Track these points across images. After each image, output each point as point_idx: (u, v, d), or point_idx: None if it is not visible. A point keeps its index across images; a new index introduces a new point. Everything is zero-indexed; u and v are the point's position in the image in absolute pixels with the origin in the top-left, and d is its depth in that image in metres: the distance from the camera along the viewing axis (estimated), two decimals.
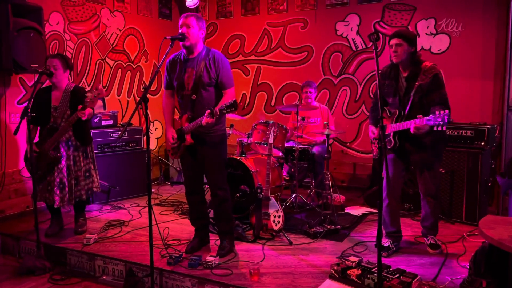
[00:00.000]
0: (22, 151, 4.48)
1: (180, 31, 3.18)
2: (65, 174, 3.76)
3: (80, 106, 3.58)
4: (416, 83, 3.17)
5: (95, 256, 3.46)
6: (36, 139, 3.83)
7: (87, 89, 5.19)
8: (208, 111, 2.99)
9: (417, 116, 3.01)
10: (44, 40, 4.30)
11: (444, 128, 2.86)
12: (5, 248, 3.93)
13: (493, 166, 4.30)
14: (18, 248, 3.87)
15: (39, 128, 3.85)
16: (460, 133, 4.12)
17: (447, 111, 2.85)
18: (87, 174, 3.91)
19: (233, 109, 2.99)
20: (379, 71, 3.46)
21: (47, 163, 3.73)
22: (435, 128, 2.87)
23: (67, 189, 3.76)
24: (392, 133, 3.28)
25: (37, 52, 4.18)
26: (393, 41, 3.21)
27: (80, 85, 5.02)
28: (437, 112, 2.86)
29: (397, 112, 3.28)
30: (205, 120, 3.02)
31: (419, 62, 3.23)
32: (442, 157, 3.50)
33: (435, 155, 3.31)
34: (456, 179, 4.11)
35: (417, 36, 3.28)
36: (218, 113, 2.98)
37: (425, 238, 3.52)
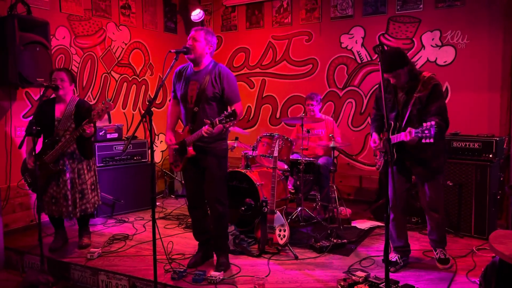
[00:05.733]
0: None
1: (187, 43, 3.23)
2: (69, 187, 3.74)
3: (86, 121, 3.59)
4: (415, 95, 3.12)
5: (98, 271, 3.43)
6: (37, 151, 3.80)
7: (93, 102, 5.22)
8: (208, 121, 3.00)
9: (408, 128, 2.96)
10: (50, 54, 4.33)
11: (431, 141, 2.79)
12: (9, 263, 3.91)
13: (501, 179, 4.24)
14: (22, 263, 3.85)
15: (41, 140, 3.84)
16: (467, 146, 4.06)
17: (433, 122, 2.79)
18: (93, 187, 3.91)
19: (232, 118, 2.98)
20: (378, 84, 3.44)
21: (47, 176, 3.72)
22: (423, 141, 2.82)
23: (70, 202, 3.75)
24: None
25: (43, 66, 4.20)
26: (388, 75, 3.13)
27: (85, 99, 5.05)
28: (424, 124, 2.81)
29: (392, 124, 3.23)
30: (205, 129, 3.03)
31: (417, 74, 3.18)
32: (444, 170, 3.43)
33: (435, 168, 3.24)
34: (464, 192, 4.05)
35: (405, 53, 3.19)
36: (217, 123, 2.98)
37: (434, 252, 3.46)
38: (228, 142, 4.79)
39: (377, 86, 5.24)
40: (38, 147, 3.84)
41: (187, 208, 4.83)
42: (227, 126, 3.04)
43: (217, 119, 3.00)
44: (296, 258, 3.60)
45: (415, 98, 3.11)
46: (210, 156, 3.28)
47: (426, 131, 2.79)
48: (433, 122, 2.79)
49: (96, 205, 3.96)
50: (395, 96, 3.26)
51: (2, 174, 4.21)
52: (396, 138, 3.11)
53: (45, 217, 3.93)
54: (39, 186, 3.71)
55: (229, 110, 3.13)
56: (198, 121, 3.21)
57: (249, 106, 6.32)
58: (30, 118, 3.49)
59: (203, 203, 3.49)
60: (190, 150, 3.24)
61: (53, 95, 3.87)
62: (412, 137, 2.88)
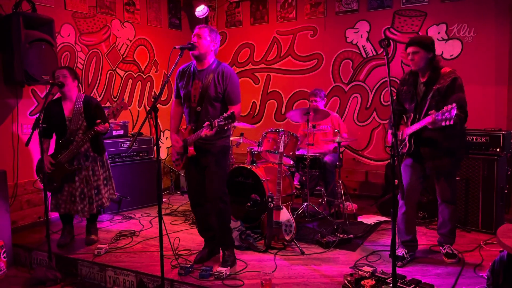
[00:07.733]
0: (34, 162, 4.51)
1: (192, 40, 3.22)
2: (85, 185, 3.79)
3: (98, 121, 3.62)
4: (434, 87, 3.14)
5: (106, 267, 3.45)
6: (50, 151, 3.86)
7: (98, 100, 5.24)
8: (207, 122, 3.00)
9: (429, 112, 2.98)
10: (55, 52, 4.34)
11: (451, 122, 2.80)
12: (17, 259, 3.94)
13: (509, 173, 4.21)
14: (30, 259, 3.88)
15: (54, 140, 3.87)
16: (474, 140, 4.04)
17: (454, 104, 2.80)
18: (105, 182, 3.95)
19: (230, 121, 2.97)
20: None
21: (62, 176, 3.75)
22: (443, 123, 2.83)
23: (87, 199, 3.80)
24: (407, 137, 3.24)
25: (49, 64, 4.21)
26: (410, 49, 3.19)
27: (90, 95, 5.07)
28: (445, 108, 2.82)
29: (412, 115, 3.24)
30: (204, 131, 3.03)
31: (438, 67, 3.21)
32: (461, 164, 3.44)
33: (453, 162, 3.25)
34: (472, 186, 4.03)
35: (434, 44, 3.24)
36: (216, 124, 2.97)
37: (441, 248, 3.45)
38: (233, 138, 4.82)
39: (385, 79, 5.28)
40: (52, 147, 3.90)
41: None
42: (225, 128, 3.06)
43: (216, 121, 2.99)
44: (303, 253, 3.60)
45: (434, 90, 3.14)
46: (210, 154, 3.28)
47: (446, 113, 2.80)
48: (454, 105, 2.80)
49: (110, 199, 4.02)
50: (415, 88, 3.28)
51: (9, 172, 4.23)
52: (416, 126, 3.12)
53: (52, 214, 3.97)
54: (55, 187, 3.77)
55: (228, 111, 3.11)
56: (200, 121, 3.20)
57: (254, 102, 6.32)
58: (36, 116, 3.49)
59: (205, 200, 3.49)
60: (191, 149, 3.25)
61: (58, 94, 3.89)
62: (434, 118, 2.89)
